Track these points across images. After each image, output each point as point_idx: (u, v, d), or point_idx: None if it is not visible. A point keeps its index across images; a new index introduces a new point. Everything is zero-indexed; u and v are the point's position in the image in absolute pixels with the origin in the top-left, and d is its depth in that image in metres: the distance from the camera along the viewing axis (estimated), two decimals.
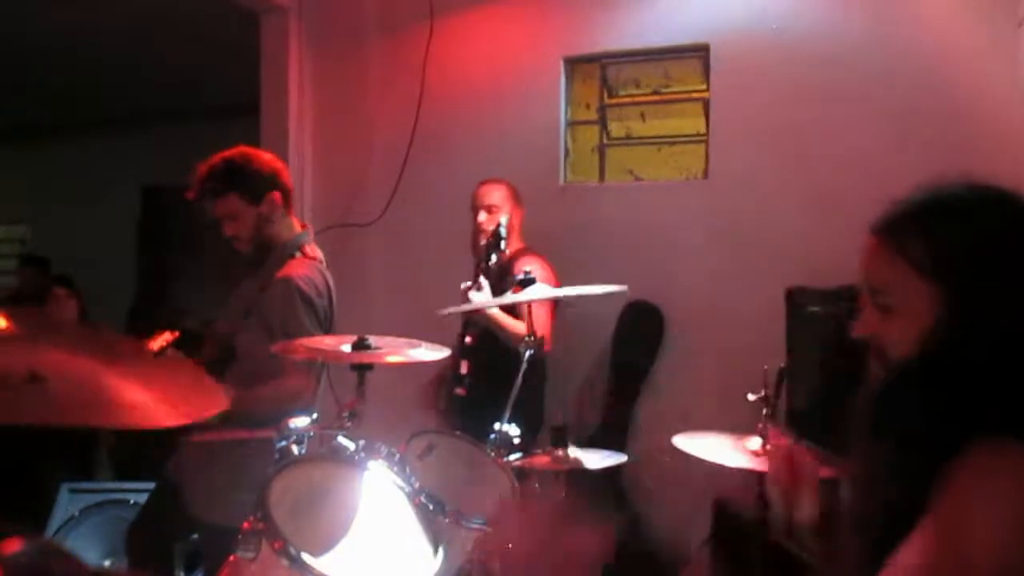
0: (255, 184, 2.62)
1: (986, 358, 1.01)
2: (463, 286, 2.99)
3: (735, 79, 3.64)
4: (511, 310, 3.09)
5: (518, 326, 3.02)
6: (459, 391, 3.11)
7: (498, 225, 2.87)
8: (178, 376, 1.13)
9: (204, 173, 2.61)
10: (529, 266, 3.08)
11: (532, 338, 2.37)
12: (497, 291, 3.07)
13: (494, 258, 2.87)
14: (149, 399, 0.97)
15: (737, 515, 3.12)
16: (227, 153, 2.66)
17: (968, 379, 1.00)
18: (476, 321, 3.07)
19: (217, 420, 2.51)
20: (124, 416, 0.93)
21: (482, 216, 3.33)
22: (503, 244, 2.86)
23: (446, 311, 2.75)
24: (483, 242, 3.02)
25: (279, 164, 2.72)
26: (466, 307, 2.95)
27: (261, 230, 2.64)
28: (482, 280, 2.94)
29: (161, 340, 2.44)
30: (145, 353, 2.26)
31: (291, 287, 2.54)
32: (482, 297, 2.94)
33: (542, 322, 3.08)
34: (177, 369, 1.15)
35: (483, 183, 3.44)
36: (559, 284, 3.15)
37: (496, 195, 3.38)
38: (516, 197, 3.44)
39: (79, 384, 0.93)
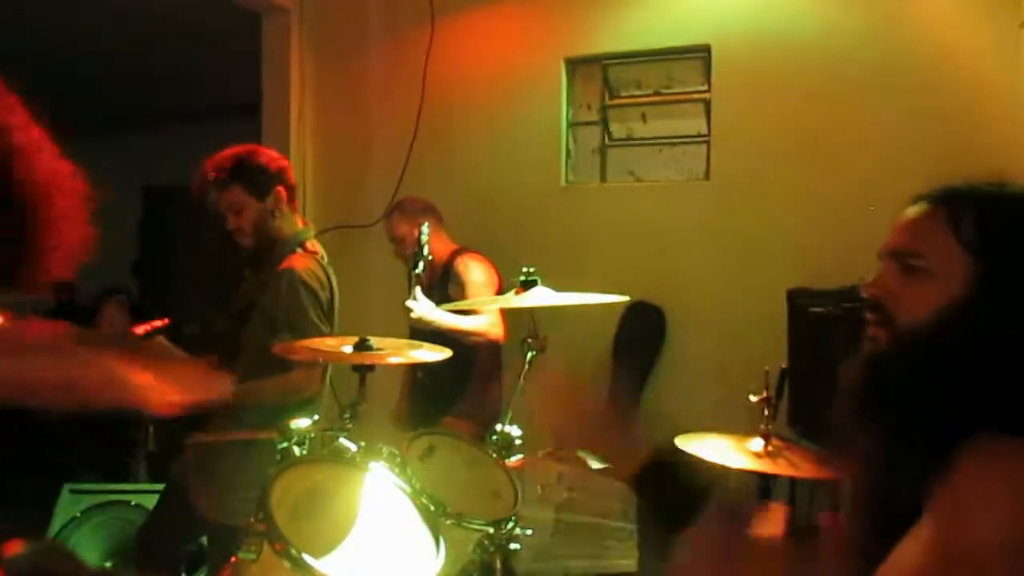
0: (260, 178, 2.64)
1: (1003, 342, 0.99)
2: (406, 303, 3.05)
3: (736, 80, 3.64)
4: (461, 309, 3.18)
5: (471, 324, 3.13)
6: (419, 374, 3.34)
7: (416, 239, 2.97)
8: (177, 364, 1.14)
9: (211, 165, 2.63)
10: (469, 265, 3.31)
11: (535, 338, 2.37)
12: (440, 291, 3.26)
13: (421, 266, 2.97)
14: (154, 380, 0.97)
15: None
16: (235, 148, 2.68)
17: (979, 356, 0.99)
18: (422, 329, 3.10)
19: (221, 419, 2.55)
20: (136, 396, 0.94)
21: (397, 249, 3.41)
22: (426, 250, 2.95)
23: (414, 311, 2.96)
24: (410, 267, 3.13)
25: (285, 162, 2.74)
26: (439, 319, 3.04)
27: (264, 225, 2.65)
28: (417, 291, 3.00)
29: (148, 325, 2.45)
30: (132, 338, 2.27)
31: (294, 278, 2.55)
32: (421, 306, 3.01)
33: (495, 318, 3.19)
34: (174, 358, 1.15)
35: (385, 216, 3.49)
36: (500, 280, 3.33)
37: (396, 226, 3.40)
38: (418, 210, 3.40)
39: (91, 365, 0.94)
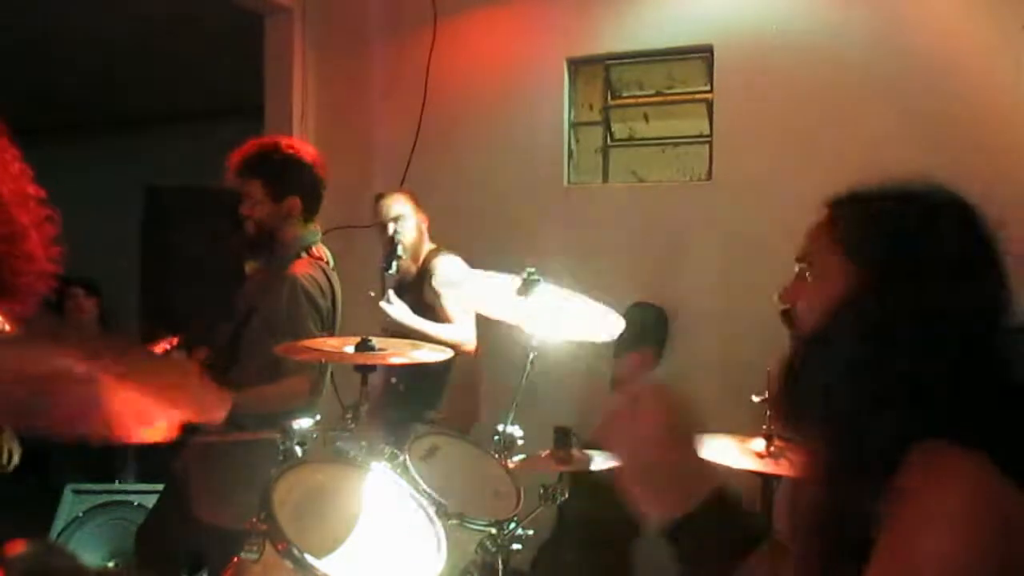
0: (282, 182, 2.65)
1: (875, 341, 1.00)
2: (370, 294, 2.98)
3: (739, 80, 3.64)
4: (433, 315, 3.14)
5: (447, 335, 3.06)
6: (393, 380, 3.20)
7: (394, 233, 2.92)
8: (180, 381, 1.12)
9: (245, 151, 2.65)
10: (447, 265, 3.24)
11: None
12: (417, 293, 3.20)
13: (395, 266, 2.92)
14: (153, 407, 0.96)
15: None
16: (281, 142, 2.71)
17: (848, 357, 1.01)
18: (396, 332, 3.03)
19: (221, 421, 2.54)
20: (128, 428, 0.92)
21: (391, 229, 3.25)
22: (400, 250, 2.92)
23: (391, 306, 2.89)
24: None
25: (320, 172, 2.73)
26: (401, 318, 3.01)
27: (272, 224, 2.66)
28: (390, 293, 2.95)
29: (164, 344, 2.46)
30: (148, 357, 2.26)
31: (295, 285, 2.55)
32: (395, 310, 2.97)
33: (472, 330, 3.16)
34: (179, 374, 1.13)
35: (382, 196, 3.37)
36: None
37: (399, 206, 3.31)
38: (418, 203, 3.39)
39: (88, 393, 0.92)
